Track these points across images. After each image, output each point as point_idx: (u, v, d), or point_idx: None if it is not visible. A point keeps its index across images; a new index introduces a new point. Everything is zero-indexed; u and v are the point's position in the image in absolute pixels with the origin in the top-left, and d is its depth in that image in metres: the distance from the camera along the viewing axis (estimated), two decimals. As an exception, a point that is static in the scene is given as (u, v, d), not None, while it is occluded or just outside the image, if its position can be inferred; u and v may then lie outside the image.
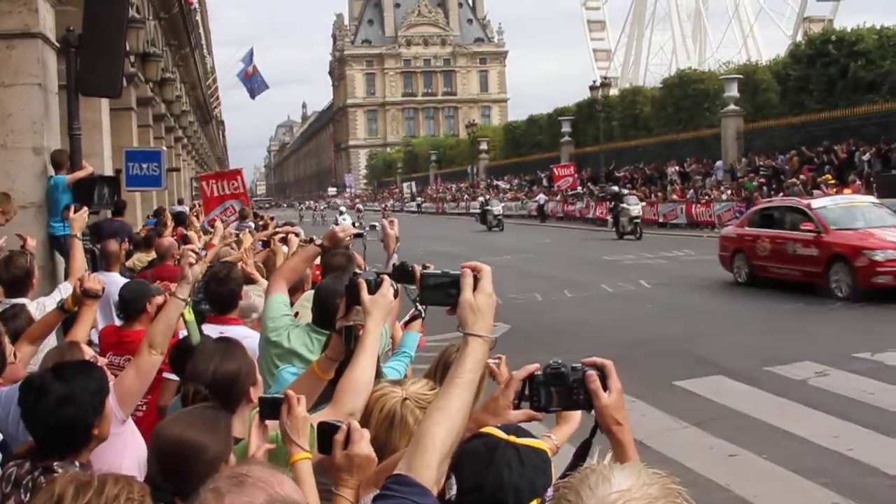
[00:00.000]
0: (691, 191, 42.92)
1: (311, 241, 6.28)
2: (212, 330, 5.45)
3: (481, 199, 58.30)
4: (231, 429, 3.13)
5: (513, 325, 16.10)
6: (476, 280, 2.48)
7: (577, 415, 3.81)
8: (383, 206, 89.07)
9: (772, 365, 11.93)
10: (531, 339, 15.15)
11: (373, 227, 5.61)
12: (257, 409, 3.18)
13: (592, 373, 2.39)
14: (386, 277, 3.46)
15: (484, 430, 2.37)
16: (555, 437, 3.75)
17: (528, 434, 2.34)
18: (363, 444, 2.77)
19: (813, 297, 17.60)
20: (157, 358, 4.44)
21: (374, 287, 3.42)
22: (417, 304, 4.80)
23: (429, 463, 2.27)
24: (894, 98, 35.81)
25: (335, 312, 3.80)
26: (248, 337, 5.31)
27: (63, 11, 11.64)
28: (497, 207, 51.97)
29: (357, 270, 3.91)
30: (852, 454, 8.20)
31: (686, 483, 6.11)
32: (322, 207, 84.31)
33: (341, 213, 54.61)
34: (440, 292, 2.54)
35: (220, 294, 5.99)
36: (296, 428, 2.90)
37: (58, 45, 11.08)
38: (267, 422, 3.07)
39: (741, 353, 12.98)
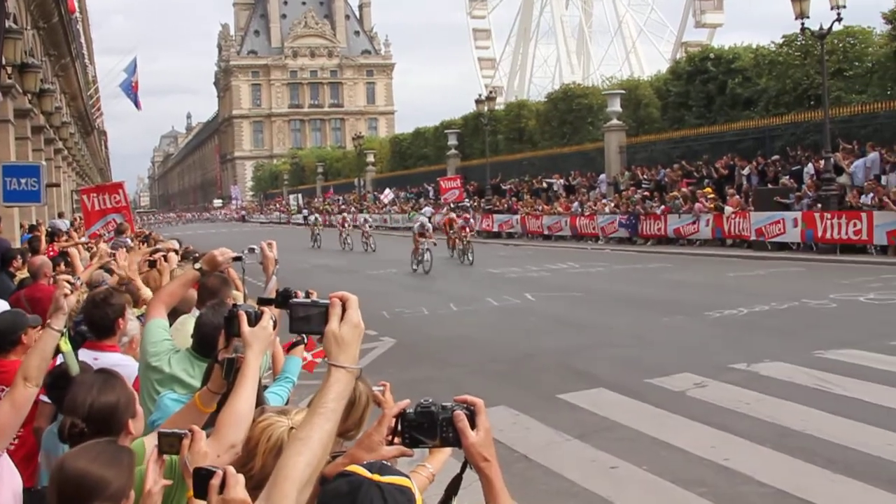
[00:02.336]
0: (576, 203, 43.53)
1: (195, 259, 6.19)
2: (87, 356, 5.33)
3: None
4: (133, 465, 3.07)
5: (399, 339, 16.14)
6: (343, 310, 2.49)
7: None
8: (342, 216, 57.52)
9: (652, 377, 12.15)
10: (417, 353, 15.20)
11: (251, 249, 5.55)
12: (147, 441, 3.15)
13: (460, 412, 2.46)
14: (266, 310, 3.46)
15: (349, 468, 2.37)
16: (430, 465, 3.82)
17: (394, 472, 2.34)
18: (238, 489, 2.75)
19: (691, 309, 18.05)
20: (32, 391, 4.32)
21: (254, 319, 3.42)
22: None
23: (287, 493, 2.29)
24: (770, 114, 36.93)
25: (215, 343, 3.78)
26: (123, 365, 5.20)
27: (-66, 22, 11.30)
28: None
29: (237, 303, 3.89)
30: (728, 464, 8.40)
31: (569, 495, 6.26)
32: (365, 221, 47.71)
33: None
34: (310, 322, 2.55)
35: (96, 319, 5.78)
36: (196, 464, 2.87)
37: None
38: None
39: (622, 366, 13.19)
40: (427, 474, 3.83)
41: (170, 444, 3.03)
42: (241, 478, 2.81)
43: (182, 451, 2.97)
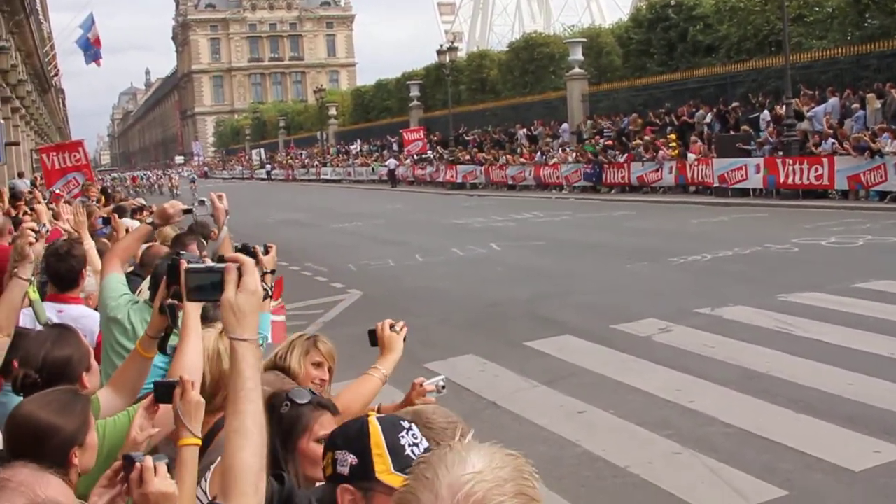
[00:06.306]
0: (539, 153, 43.50)
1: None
2: (50, 308, 5.32)
3: None
4: (88, 412, 3.08)
5: (365, 291, 16.17)
6: (240, 276, 2.27)
7: (399, 344, 4.02)
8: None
9: (617, 323, 12.25)
10: (384, 304, 15.18)
11: (202, 202, 5.49)
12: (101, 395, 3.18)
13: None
14: (208, 259, 3.46)
15: None
16: (382, 367, 3.96)
17: None
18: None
19: (655, 256, 18.16)
20: (4, 340, 4.33)
21: None
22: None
23: (243, 491, 2.15)
24: (731, 61, 36.97)
25: None
26: (87, 315, 5.20)
27: None
28: None
29: (182, 252, 3.87)
30: (693, 406, 8.52)
31: (538, 440, 6.30)
32: None
33: None
34: (207, 291, 2.34)
35: (59, 271, 5.69)
36: (188, 412, 2.90)
37: None
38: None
39: (588, 313, 13.27)
40: (379, 376, 3.96)
41: (164, 393, 3.05)
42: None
43: (174, 399, 3.00)
